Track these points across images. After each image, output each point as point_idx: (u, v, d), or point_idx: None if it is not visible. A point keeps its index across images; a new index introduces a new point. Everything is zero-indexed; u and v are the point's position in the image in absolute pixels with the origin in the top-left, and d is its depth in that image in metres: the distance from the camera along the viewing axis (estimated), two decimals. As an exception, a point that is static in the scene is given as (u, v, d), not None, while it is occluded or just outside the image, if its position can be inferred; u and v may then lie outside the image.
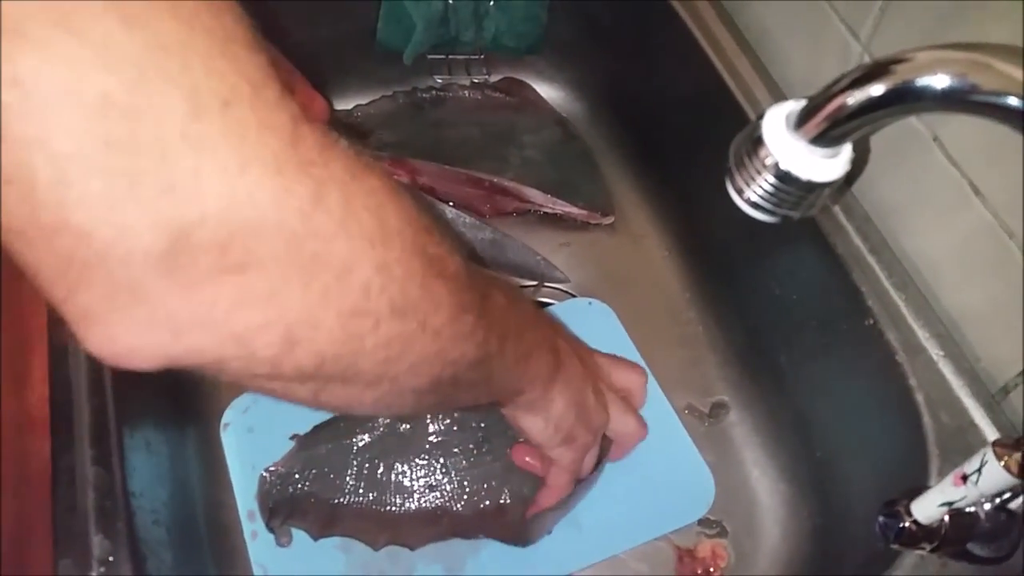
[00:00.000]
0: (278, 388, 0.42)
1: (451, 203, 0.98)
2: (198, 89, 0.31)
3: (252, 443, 0.78)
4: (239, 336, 0.36)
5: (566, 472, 0.71)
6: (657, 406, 0.83)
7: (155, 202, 0.31)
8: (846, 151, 0.52)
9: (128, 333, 0.34)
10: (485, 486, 0.75)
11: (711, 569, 0.76)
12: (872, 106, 0.46)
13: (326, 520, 0.73)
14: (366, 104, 1.03)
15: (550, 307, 0.91)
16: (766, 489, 0.81)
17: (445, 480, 0.75)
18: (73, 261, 0.32)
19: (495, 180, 0.97)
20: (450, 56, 1.06)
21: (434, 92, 1.05)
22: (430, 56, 1.05)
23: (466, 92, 1.05)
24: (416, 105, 1.03)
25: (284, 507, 0.73)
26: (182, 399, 0.80)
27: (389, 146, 0.97)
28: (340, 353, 0.40)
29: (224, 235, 0.33)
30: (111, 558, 0.57)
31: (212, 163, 0.32)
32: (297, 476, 0.74)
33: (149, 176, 0.31)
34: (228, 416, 0.80)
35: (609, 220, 0.99)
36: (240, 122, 0.32)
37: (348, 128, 0.99)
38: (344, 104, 1.03)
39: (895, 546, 0.58)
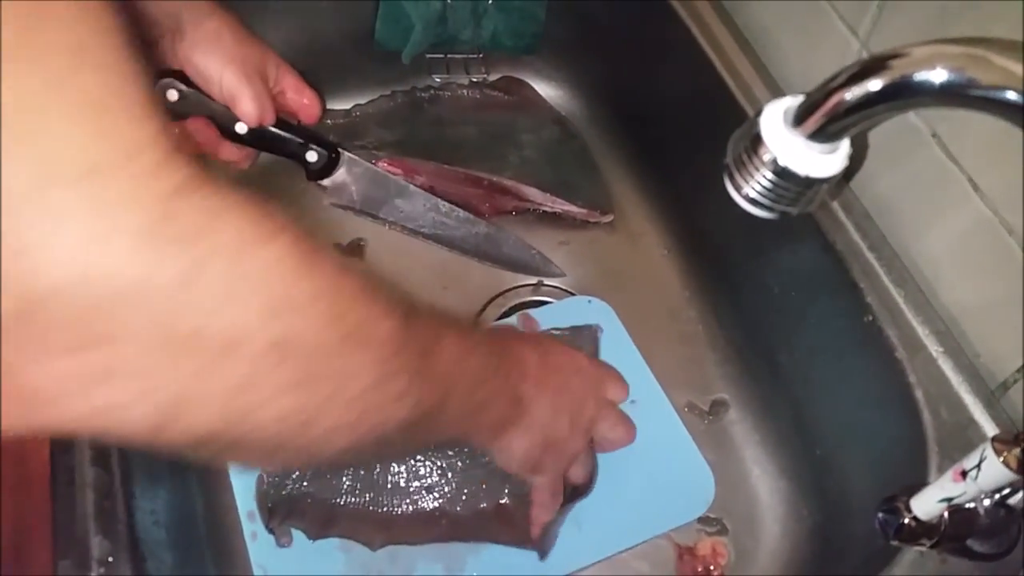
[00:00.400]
0: (171, 452, 0.39)
1: (449, 202, 0.98)
2: (56, 156, 0.30)
3: None
4: (103, 412, 0.34)
5: (544, 491, 0.71)
6: (657, 404, 0.83)
7: (2, 270, 0.30)
8: (844, 147, 0.52)
9: None
10: (484, 487, 0.74)
11: (711, 567, 0.76)
12: (870, 102, 0.46)
13: (323, 521, 0.73)
14: (365, 104, 1.03)
15: (549, 306, 0.91)
16: (766, 487, 0.81)
17: (442, 481, 0.74)
18: None
19: (494, 179, 0.96)
20: (449, 55, 1.06)
21: (433, 91, 1.04)
22: (429, 55, 1.04)
23: (465, 91, 1.05)
24: (415, 104, 1.03)
25: (282, 507, 0.73)
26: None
27: (388, 146, 0.97)
28: (226, 428, 0.38)
29: (78, 308, 0.31)
30: (111, 559, 0.57)
31: (67, 234, 0.30)
32: (295, 476, 0.74)
33: None
34: None
35: (608, 218, 0.99)
36: (104, 192, 0.31)
37: (346, 128, 0.99)
38: (343, 104, 1.03)
39: (895, 542, 0.58)
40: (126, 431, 0.35)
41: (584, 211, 0.98)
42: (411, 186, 0.89)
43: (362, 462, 0.72)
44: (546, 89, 1.10)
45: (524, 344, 0.69)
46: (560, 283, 0.94)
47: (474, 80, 1.07)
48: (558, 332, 0.84)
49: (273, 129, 0.77)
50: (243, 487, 0.75)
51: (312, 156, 0.80)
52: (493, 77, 1.08)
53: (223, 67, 0.73)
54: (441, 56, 1.06)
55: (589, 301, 0.91)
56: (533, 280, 0.94)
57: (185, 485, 0.74)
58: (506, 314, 0.90)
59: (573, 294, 0.93)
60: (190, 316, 0.34)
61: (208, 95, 0.74)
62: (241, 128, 0.75)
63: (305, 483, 0.74)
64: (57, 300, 0.31)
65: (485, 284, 0.92)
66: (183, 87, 0.74)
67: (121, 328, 0.32)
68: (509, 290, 0.93)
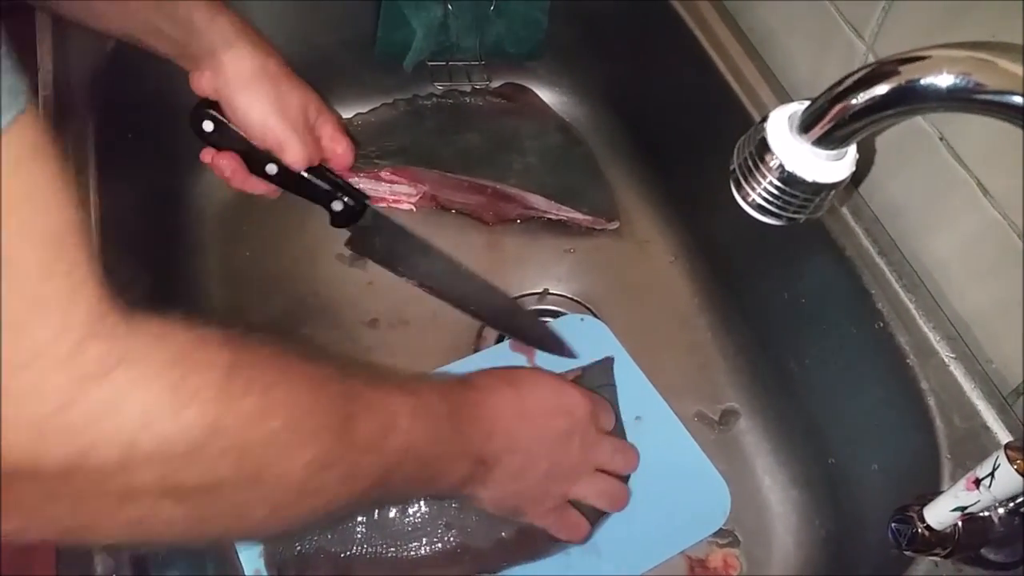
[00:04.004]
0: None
1: (454, 210, 0.98)
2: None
3: None
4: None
5: (548, 528, 0.70)
6: (663, 420, 0.82)
7: None
8: (851, 152, 0.51)
9: None
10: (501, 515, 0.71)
11: (723, 579, 0.76)
12: (875, 107, 0.46)
13: (341, 574, 0.70)
14: (366, 112, 1.02)
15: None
16: (778, 497, 0.81)
17: (462, 515, 0.71)
18: None
19: (498, 187, 0.96)
20: (450, 62, 1.06)
21: (435, 99, 1.04)
22: (430, 63, 1.04)
23: (467, 98, 1.05)
24: (417, 112, 1.02)
25: (292, 566, 0.70)
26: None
27: (390, 154, 0.96)
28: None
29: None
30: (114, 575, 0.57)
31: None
32: (303, 531, 0.70)
33: None
34: None
35: (614, 226, 0.98)
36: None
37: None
38: (344, 112, 1.03)
39: (908, 552, 0.58)
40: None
41: (589, 218, 0.97)
42: (435, 248, 0.85)
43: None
44: (549, 95, 1.10)
45: (495, 395, 0.67)
46: (567, 291, 0.93)
47: (476, 87, 1.07)
48: (572, 371, 0.82)
49: (304, 175, 0.77)
50: (248, 544, 0.72)
51: (338, 206, 0.79)
52: (496, 84, 1.08)
53: (266, 115, 0.72)
54: (443, 63, 1.05)
55: (582, 319, 0.90)
56: (539, 289, 0.93)
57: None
58: (502, 336, 0.89)
59: (579, 303, 0.92)
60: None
61: (245, 135, 0.74)
62: (271, 169, 0.74)
63: (315, 537, 0.70)
64: None
65: (490, 293, 0.92)
66: (220, 118, 0.73)
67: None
68: (515, 298, 0.93)
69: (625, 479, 0.76)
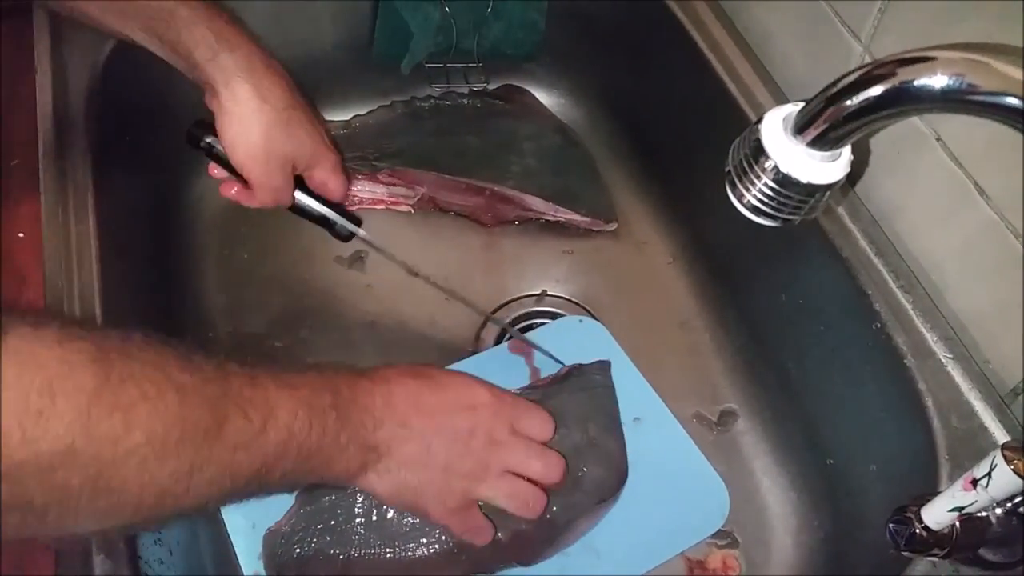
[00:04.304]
0: None
1: (452, 212, 0.98)
2: None
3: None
4: None
5: (456, 528, 0.68)
6: (662, 421, 0.82)
7: None
8: (845, 153, 0.51)
9: None
10: (501, 514, 0.70)
11: (722, 580, 0.76)
12: (870, 108, 0.45)
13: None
14: (364, 114, 1.03)
15: (541, 328, 0.89)
16: (776, 498, 0.81)
17: None
18: None
19: (496, 188, 0.96)
20: (448, 64, 1.06)
21: (432, 101, 1.04)
22: (428, 65, 1.04)
23: (465, 100, 1.05)
24: (414, 114, 1.03)
25: (291, 568, 0.70)
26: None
27: (387, 156, 0.96)
28: None
29: None
30: (112, 579, 0.57)
31: None
32: (302, 534, 0.70)
33: None
34: None
35: (612, 227, 0.98)
36: None
37: (345, 139, 0.99)
38: (342, 115, 1.03)
39: (906, 553, 0.58)
40: None
41: (587, 220, 0.97)
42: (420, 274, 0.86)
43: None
44: (547, 97, 1.10)
45: (394, 385, 0.66)
46: (565, 293, 0.93)
47: (474, 89, 1.07)
48: (565, 371, 0.81)
49: (298, 202, 0.79)
50: (245, 547, 0.72)
51: (328, 231, 0.81)
52: (493, 85, 1.08)
53: (248, 158, 0.74)
54: (440, 65, 1.05)
55: (580, 320, 0.90)
56: (537, 290, 0.93)
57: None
58: (500, 338, 0.89)
59: (578, 304, 0.92)
60: None
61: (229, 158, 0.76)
62: None
63: (314, 540, 0.70)
64: None
65: (489, 294, 0.91)
66: (216, 144, 0.76)
67: None
68: (513, 300, 0.93)
69: (601, 494, 0.73)
